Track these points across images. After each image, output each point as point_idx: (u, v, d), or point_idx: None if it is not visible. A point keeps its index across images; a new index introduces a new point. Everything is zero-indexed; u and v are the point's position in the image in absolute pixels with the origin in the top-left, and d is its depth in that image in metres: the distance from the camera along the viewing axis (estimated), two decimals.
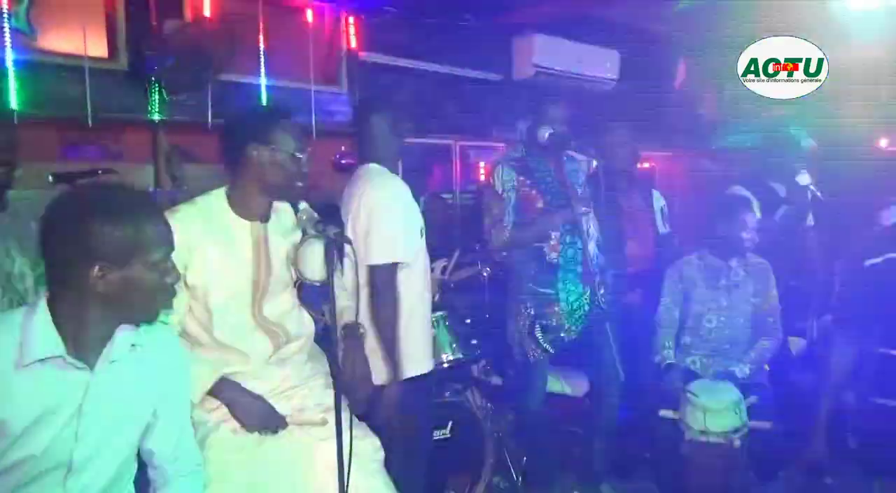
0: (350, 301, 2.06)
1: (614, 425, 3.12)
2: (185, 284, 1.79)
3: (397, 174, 2.55)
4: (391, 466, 2.05)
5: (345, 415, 1.72)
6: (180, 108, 3.64)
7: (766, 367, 3.06)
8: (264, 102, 3.82)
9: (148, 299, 1.39)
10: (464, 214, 5.22)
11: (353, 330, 2.01)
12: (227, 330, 1.84)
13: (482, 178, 5.46)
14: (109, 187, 1.45)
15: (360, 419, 1.99)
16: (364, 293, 2.25)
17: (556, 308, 2.91)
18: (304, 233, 1.79)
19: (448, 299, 3.43)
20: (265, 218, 1.89)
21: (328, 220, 1.79)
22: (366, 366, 1.99)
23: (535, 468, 3.20)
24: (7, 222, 1.90)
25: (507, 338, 3.06)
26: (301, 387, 1.93)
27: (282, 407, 1.88)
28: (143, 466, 1.59)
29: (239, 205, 1.85)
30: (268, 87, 3.91)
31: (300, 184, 1.85)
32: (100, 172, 2.63)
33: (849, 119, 5.65)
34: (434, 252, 2.74)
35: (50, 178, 2.47)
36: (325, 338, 2.03)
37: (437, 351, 2.90)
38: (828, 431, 2.01)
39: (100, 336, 1.38)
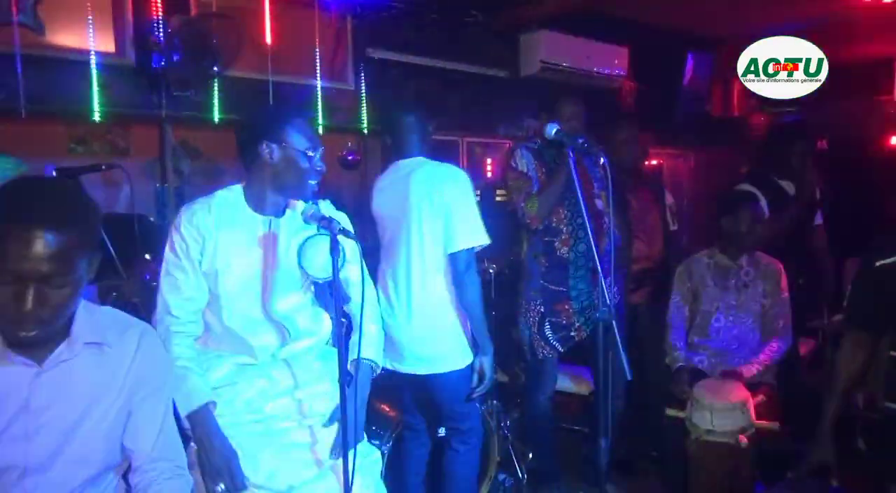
0: (373, 325, 2.04)
1: (617, 424, 3.10)
2: (201, 271, 1.82)
3: None
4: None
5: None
6: (187, 103, 3.64)
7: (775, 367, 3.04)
8: (276, 99, 3.81)
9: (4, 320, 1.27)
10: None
11: (364, 371, 1.96)
12: (236, 320, 1.86)
13: (489, 175, 5.45)
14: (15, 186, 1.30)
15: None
16: (441, 280, 2.43)
17: (567, 306, 2.91)
18: (318, 229, 1.77)
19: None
20: (280, 213, 1.91)
21: (333, 216, 1.79)
22: (363, 413, 1.95)
23: (541, 466, 3.20)
24: None
25: (516, 335, 3.07)
26: (303, 389, 1.91)
27: (284, 408, 1.88)
28: None
29: (254, 200, 1.88)
30: (274, 82, 3.90)
31: (313, 181, 1.85)
32: (103, 167, 2.62)
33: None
34: None
35: (54, 172, 2.46)
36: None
37: None
38: (837, 433, 1.99)
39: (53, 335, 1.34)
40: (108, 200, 3.49)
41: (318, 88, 4.09)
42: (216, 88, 3.68)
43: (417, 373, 2.51)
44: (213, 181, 3.84)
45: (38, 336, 1.28)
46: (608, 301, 2.29)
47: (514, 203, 2.94)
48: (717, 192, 4.05)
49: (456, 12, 4.80)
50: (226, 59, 3.48)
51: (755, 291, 3.04)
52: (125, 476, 1.54)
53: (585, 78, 5.18)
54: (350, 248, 1.87)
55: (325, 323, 2.00)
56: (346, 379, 1.67)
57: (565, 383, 3.45)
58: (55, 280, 1.23)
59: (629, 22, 5.26)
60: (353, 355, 1.85)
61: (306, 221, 1.77)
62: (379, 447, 2.17)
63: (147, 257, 2.24)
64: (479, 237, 2.45)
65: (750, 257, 3.08)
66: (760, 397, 2.85)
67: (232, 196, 1.89)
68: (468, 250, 2.43)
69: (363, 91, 4.39)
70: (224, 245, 1.83)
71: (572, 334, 2.93)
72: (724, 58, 5.95)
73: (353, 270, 1.94)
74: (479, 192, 5.21)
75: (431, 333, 2.47)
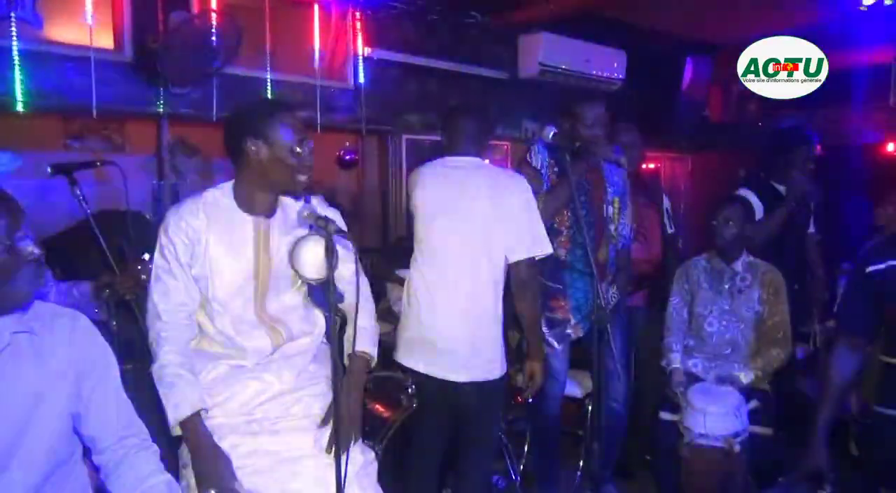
0: (367, 321, 2.01)
1: (615, 426, 3.10)
2: (191, 275, 1.80)
3: None
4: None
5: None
6: (185, 100, 3.64)
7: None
8: (263, 95, 3.80)
9: (4, 282, 1.28)
10: None
11: (360, 364, 1.96)
12: (229, 322, 1.84)
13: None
14: None
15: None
16: (493, 286, 2.43)
17: (563, 303, 2.90)
18: (311, 229, 1.75)
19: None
20: (270, 213, 1.87)
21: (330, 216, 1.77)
22: (359, 407, 1.94)
23: (541, 469, 3.19)
24: None
25: (512, 336, 3.07)
26: (298, 392, 1.90)
27: (278, 410, 1.86)
28: None
29: (243, 199, 1.85)
30: (273, 81, 3.90)
31: (302, 178, 1.80)
32: (98, 163, 2.60)
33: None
34: None
35: (49, 169, 2.44)
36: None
37: None
38: (830, 438, 1.99)
39: None
40: (103, 196, 3.48)
41: (317, 87, 4.09)
42: (214, 86, 3.67)
43: (458, 380, 2.45)
44: (210, 178, 3.84)
45: None
46: (604, 305, 2.30)
47: None
48: (715, 196, 4.06)
49: (456, 13, 4.81)
50: (224, 56, 3.47)
51: (750, 297, 3.03)
52: (89, 459, 1.53)
53: (584, 80, 5.19)
54: (343, 247, 1.85)
55: (319, 323, 1.98)
56: (340, 377, 1.65)
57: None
58: None
59: (628, 26, 5.27)
60: (347, 351, 1.83)
61: (301, 222, 1.75)
62: (373, 448, 2.16)
63: (146, 256, 2.22)
64: (543, 246, 2.45)
65: (747, 262, 3.07)
66: (754, 403, 2.86)
67: (221, 196, 1.85)
68: (530, 259, 2.41)
69: (362, 90, 4.39)
70: (214, 248, 1.80)
71: (568, 331, 2.92)
72: (722, 63, 5.96)
73: (346, 268, 1.91)
74: None
75: (478, 339, 2.43)
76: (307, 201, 1.84)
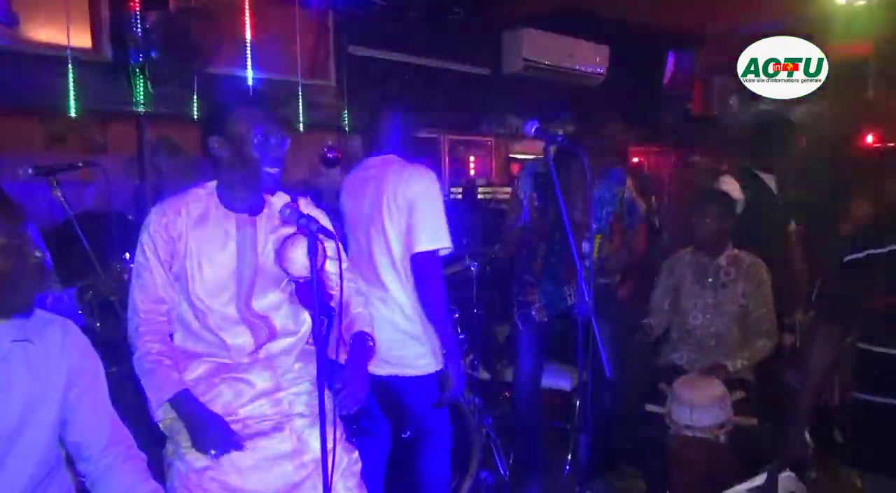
0: (363, 309, 2.03)
1: (600, 420, 3.12)
2: (171, 273, 1.80)
3: None
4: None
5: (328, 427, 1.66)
6: (165, 100, 3.61)
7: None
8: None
9: (8, 286, 1.29)
10: (452, 209, 5.21)
11: (363, 339, 1.97)
12: (212, 319, 1.84)
13: (471, 173, 5.46)
14: None
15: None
16: (397, 284, 2.38)
17: (532, 288, 3.00)
18: (297, 227, 1.74)
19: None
20: (254, 211, 1.87)
21: (312, 214, 1.76)
22: (366, 382, 1.92)
23: (523, 463, 3.21)
24: None
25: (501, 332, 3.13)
26: (282, 391, 1.88)
27: (262, 409, 1.85)
28: None
29: (225, 197, 1.85)
30: (254, 79, 3.87)
31: (270, 170, 1.78)
32: (81, 164, 2.58)
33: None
34: None
35: (30, 170, 2.41)
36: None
37: None
38: (814, 426, 2.02)
39: None
40: (85, 198, 3.44)
41: (299, 85, 4.07)
42: (195, 84, 3.64)
43: (392, 375, 2.45)
44: (193, 178, 3.80)
45: None
46: (587, 298, 2.31)
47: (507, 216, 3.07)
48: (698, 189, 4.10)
49: (438, 9, 4.80)
50: (204, 55, 3.45)
51: (733, 291, 3.05)
52: (72, 467, 1.53)
53: (567, 76, 5.21)
54: (330, 245, 1.85)
55: (306, 322, 1.97)
56: (325, 378, 1.65)
57: (549, 380, 3.46)
58: None
59: (611, 21, 5.29)
60: (334, 355, 1.83)
61: (286, 220, 1.74)
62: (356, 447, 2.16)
63: (126, 256, 2.21)
64: (441, 240, 2.37)
65: (731, 256, 3.09)
66: (738, 394, 2.88)
67: (205, 194, 1.86)
68: (430, 252, 2.36)
69: (344, 88, 4.38)
70: (196, 245, 1.80)
71: (532, 312, 2.99)
72: (704, 57, 6.01)
73: (332, 265, 1.90)
74: (461, 189, 5.24)
75: (395, 335, 2.41)
76: (293, 201, 1.83)
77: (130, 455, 1.54)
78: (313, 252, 1.62)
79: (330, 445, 1.62)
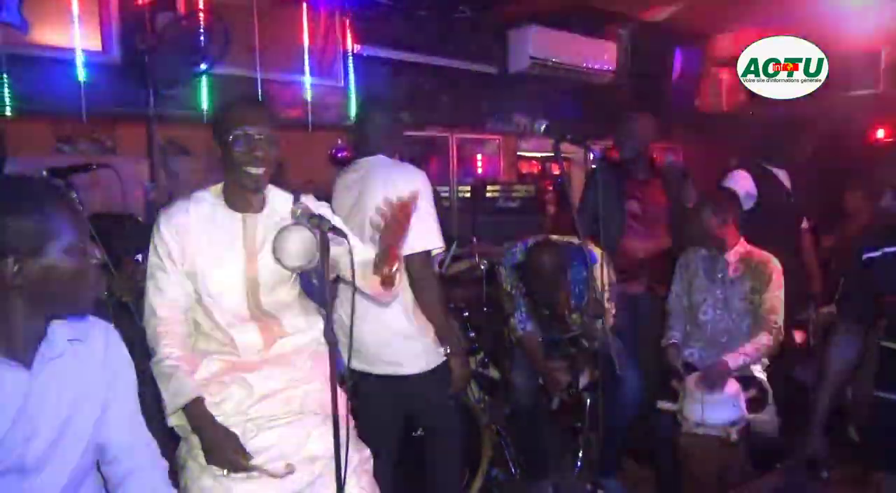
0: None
1: (613, 418, 3.11)
2: (183, 272, 1.83)
3: None
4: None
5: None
6: (175, 101, 3.62)
7: (766, 361, 3.05)
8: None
9: (70, 288, 1.31)
10: (461, 207, 5.21)
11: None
12: (222, 318, 1.86)
13: (479, 171, 5.45)
14: (5, 179, 1.37)
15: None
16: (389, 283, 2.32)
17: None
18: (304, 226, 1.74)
19: (445, 293, 3.42)
20: (258, 210, 1.89)
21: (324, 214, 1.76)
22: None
23: (534, 460, 3.21)
24: None
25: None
26: (293, 390, 1.89)
27: (274, 409, 1.86)
28: None
29: (228, 198, 1.88)
30: (263, 80, 3.88)
31: (252, 170, 1.79)
32: (95, 166, 2.60)
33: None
34: None
35: (45, 172, 2.44)
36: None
37: None
38: (829, 424, 2.00)
39: (31, 334, 1.33)
40: (95, 199, 3.45)
41: (308, 85, 4.08)
42: (204, 86, 3.66)
43: (389, 374, 2.45)
44: (203, 180, 3.82)
45: None
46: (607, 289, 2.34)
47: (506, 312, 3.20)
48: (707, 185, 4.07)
49: (445, 8, 4.80)
50: (213, 56, 3.46)
51: (741, 287, 3.03)
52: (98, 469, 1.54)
53: (574, 73, 5.20)
54: (338, 244, 1.84)
55: (318, 321, 1.98)
56: (336, 376, 1.66)
57: None
58: None
59: (618, 17, 5.28)
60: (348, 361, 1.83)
61: (297, 220, 1.75)
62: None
63: (138, 258, 2.22)
64: (433, 241, 2.37)
65: (741, 252, 3.07)
66: (752, 391, 2.87)
67: (211, 195, 1.89)
68: (423, 253, 2.35)
69: (353, 88, 4.38)
70: (204, 245, 1.83)
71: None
72: (712, 53, 5.98)
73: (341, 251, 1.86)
74: (469, 187, 5.24)
75: (390, 335, 2.42)
76: (297, 199, 1.84)
77: (153, 463, 1.56)
78: (324, 250, 1.63)
79: (342, 444, 1.63)
